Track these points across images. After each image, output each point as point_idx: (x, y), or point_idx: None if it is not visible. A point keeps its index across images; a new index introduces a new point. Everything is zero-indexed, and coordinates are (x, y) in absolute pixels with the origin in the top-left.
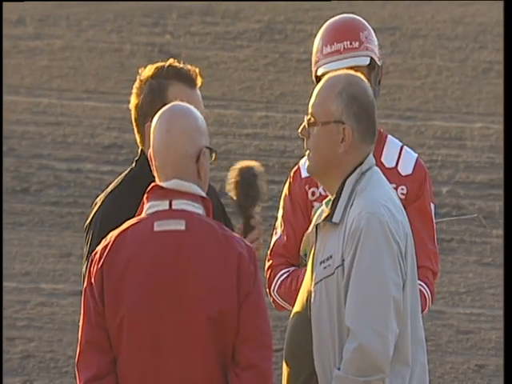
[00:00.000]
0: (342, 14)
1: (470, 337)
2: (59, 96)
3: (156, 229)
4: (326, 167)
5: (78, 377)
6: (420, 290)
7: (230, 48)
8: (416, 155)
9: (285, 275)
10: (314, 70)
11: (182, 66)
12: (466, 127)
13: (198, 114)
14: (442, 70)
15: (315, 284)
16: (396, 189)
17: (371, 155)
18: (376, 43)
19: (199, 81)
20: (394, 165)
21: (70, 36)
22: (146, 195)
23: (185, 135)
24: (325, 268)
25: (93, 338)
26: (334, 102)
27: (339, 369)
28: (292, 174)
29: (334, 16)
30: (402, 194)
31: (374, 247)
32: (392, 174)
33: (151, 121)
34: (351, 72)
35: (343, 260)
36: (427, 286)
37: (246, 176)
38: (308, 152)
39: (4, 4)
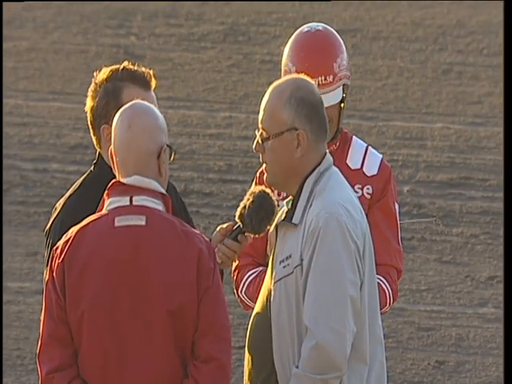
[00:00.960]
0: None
1: (430, 333)
2: (25, 97)
3: (117, 224)
4: (286, 175)
5: (40, 369)
6: (380, 286)
7: (194, 49)
8: (381, 156)
9: (253, 276)
10: None
11: (136, 68)
12: (426, 127)
13: (158, 112)
14: (403, 72)
15: (275, 283)
16: (362, 189)
17: (328, 155)
18: (347, 63)
19: (154, 82)
20: (359, 166)
21: (36, 38)
22: (106, 191)
23: (146, 132)
24: (284, 267)
25: (55, 331)
26: (284, 111)
27: (297, 366)
28: (258, 174)
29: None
30: (368, 193)
31: (331, 246)
32: (358, 175)
33: (107, 123)
34: (293, 76)
35: (302, 259)
36: (388, 283)
37: (268, 204)
38: (265, 165)
39: None
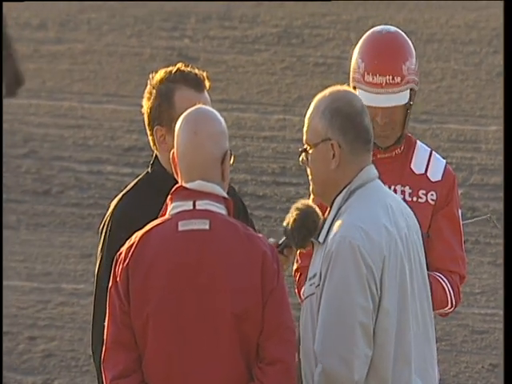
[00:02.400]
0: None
1: (484, 337)
2: (80, 99)
3: (180, 228)
4: (324, 187)
5: (104, 375)
6: (440, 284)
7: (247, 52)
8: (444, 161)
9: None
10: (351, 85)
11: (189, 69)
12: (480, 130)
13: (221, 117)
14: (457, 74)
15: (303, 300)
16: (426, 194)
17: (366, 171)
18: (416, 67)
19: (207, 84)
20: (423, 171)
21: (90, 40)
22: (169, 196)
23: (212, 138)
24: (310, 285)
25: (119, 336)
26: (320, 122)
27: None
28: None
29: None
30: (432, 199)
31: (341, 271)
32: (422, 180)
33: (159, 124)
34: (336, 87)
35: (320, 281)
36: (449, 283)
37: (310, 212)
38: (309, 177)
39: (26, 8)
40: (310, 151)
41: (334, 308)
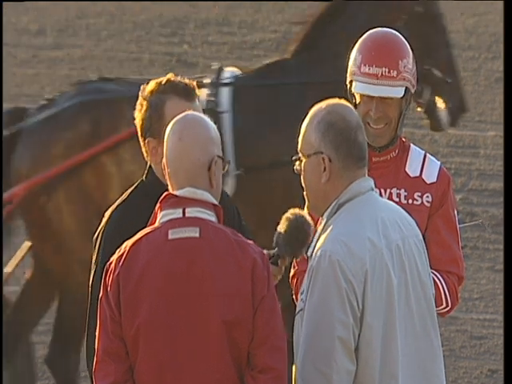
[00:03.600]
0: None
1: (483, 342)
2: None
3: (170, 237)
4: (316, 199)
5: None
6: (436, 284)
7: (246, 57)
8: (439, 163)
9: None
10: (348, 79)
11: (179, 80)
12: (479, 135)
13: (211, 123)
14: None
15: (295, 315)
16: (421, 197)
17: (356, 185)
18: (413, 70)
19: (197, 93)
20: (418, 174)
21: (89, 46)
22: (158, 204)
23: (197, 144)
24: (300, 301)
25: (109, 347)
26: (313, 134)
27: None
28: None
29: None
30: (428, 201)
31: (321, 286)
32: (417, 183)
33: (151, 136)
34: (334, 100)
35: (305, 296)
36: (445, 282)
37: (300, 222)
38: (304, 187)
39: (25, 14)
40: (303, 161)
41: (314, 323)
